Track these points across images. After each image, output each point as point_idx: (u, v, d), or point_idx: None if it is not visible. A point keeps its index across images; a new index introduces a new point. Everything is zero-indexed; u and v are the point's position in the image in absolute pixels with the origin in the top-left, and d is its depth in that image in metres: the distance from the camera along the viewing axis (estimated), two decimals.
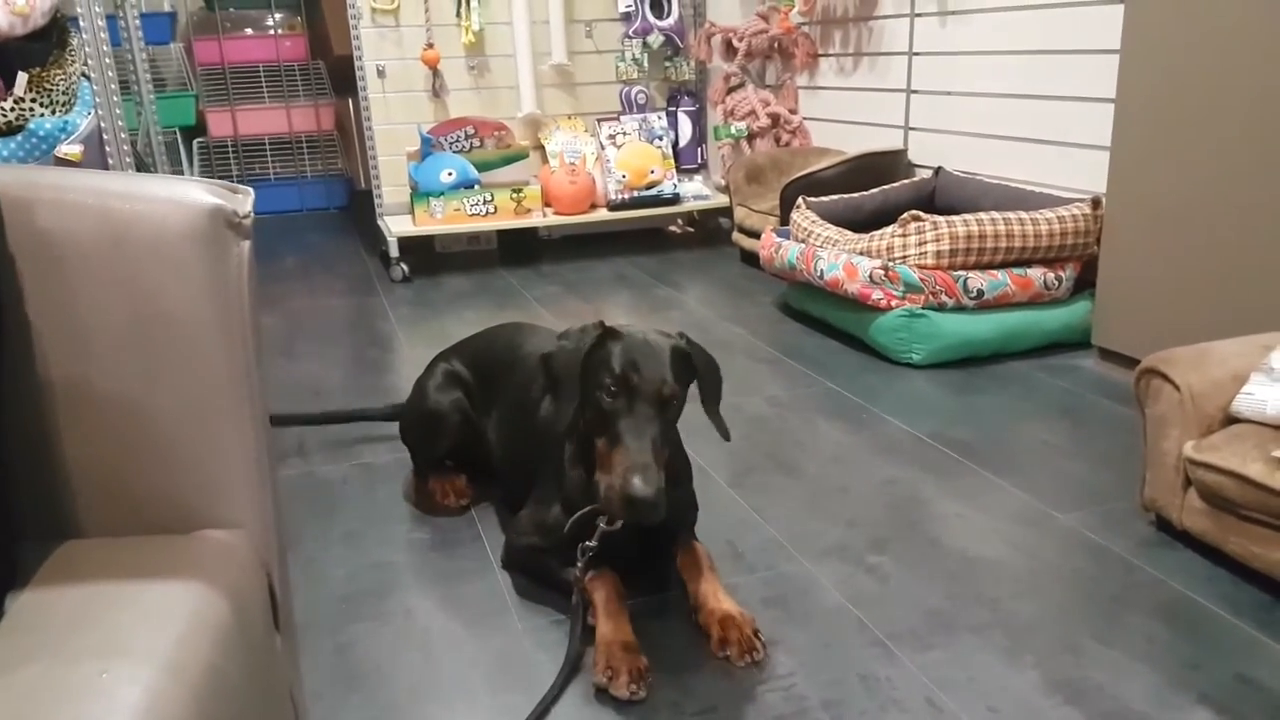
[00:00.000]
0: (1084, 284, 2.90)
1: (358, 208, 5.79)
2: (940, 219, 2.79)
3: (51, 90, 3.67)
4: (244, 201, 0.94)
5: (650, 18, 4.70)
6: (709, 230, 4.96)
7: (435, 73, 4.55)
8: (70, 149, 3.67)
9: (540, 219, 4.38)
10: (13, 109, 3.59)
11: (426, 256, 4.52)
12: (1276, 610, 1.59)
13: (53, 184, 0.91)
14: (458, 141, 4.42)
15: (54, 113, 3.69)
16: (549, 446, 1.72)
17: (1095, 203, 2.83)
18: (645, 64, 4.81)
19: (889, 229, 2.87)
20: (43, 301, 0.89)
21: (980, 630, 1.57)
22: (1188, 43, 2.34)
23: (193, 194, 0.92)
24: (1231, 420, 1.74)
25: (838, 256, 2.94)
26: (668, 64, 4.88)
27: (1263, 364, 1.73)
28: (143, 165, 4.72)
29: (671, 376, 1.52)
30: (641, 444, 1.45)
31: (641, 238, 4.82)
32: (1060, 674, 1.46)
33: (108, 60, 3.86)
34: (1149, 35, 2.44)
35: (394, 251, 4.11)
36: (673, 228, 5.06)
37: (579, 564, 1.57)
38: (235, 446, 0.94)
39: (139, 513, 0.94)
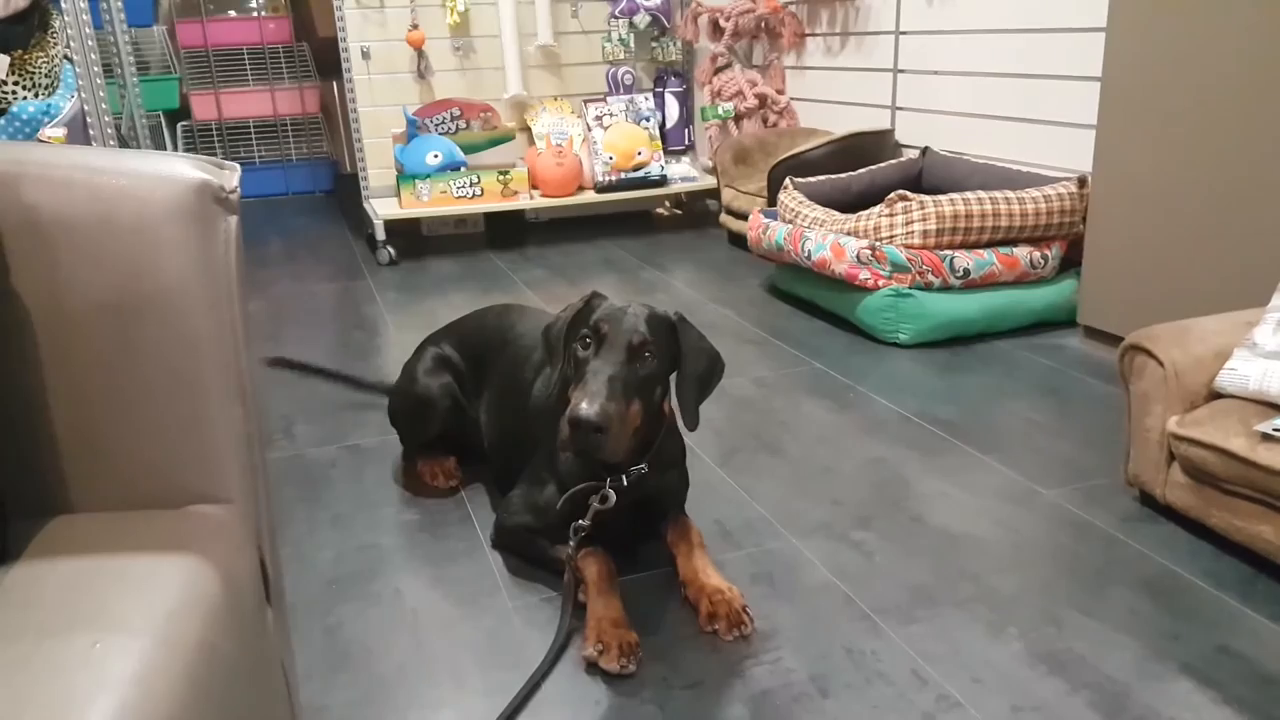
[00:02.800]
0: (1070, 263, 2.91)
1: (343, 191, 5.76)
2: (927, 199, 2.79)
3: (34, 73, 3.64)
4: (230, 176, 0.94)
5: None
6: (696, 212, 4.96)
7: (420, 54, 4.52)
8: (53, 132, 3.64)
9: (527, 201, 4.37)
10: None
11: (413, 239, 4.51)
12: (1258, 583, 1.61)
13: (40, 160, 0.90)
14: (443, 123, 4.41)
15: (37, 96, 3.65)
16: (542, 427, 1.73)
17: (1081, 182, 2.85)
18: (632, 44, 4.80)
19: (876, 209, 2.87)
20: (30, 277, 0.89)
21: (964, 604, 1.59)
22: (1173, 21, 2.35)
23: (180, 169, 0.92)
24: (1215, 396, 1.76)
25: (825, 237, 2.95)
26: (654, 44, 4.86)
27: (1245, 340, 1.74)
28: (127, 149, 4.68)
29: (645, 329, 1.52)
30: (598, 380, 1.46)
31: (629, 220, 4.82)
32: (1043, 646, 1.48)
33: (90, 43, 3.83)
34: (1134, 13, 2.44)
35: (380, 234, 4.10)
36: (660, 209, 5.06)
37: (571, 543, 1.58)
38: (224, 421, 0.95)
39: (129, 488, 0.95)
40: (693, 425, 1.62)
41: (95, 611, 0.79)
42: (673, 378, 1.63)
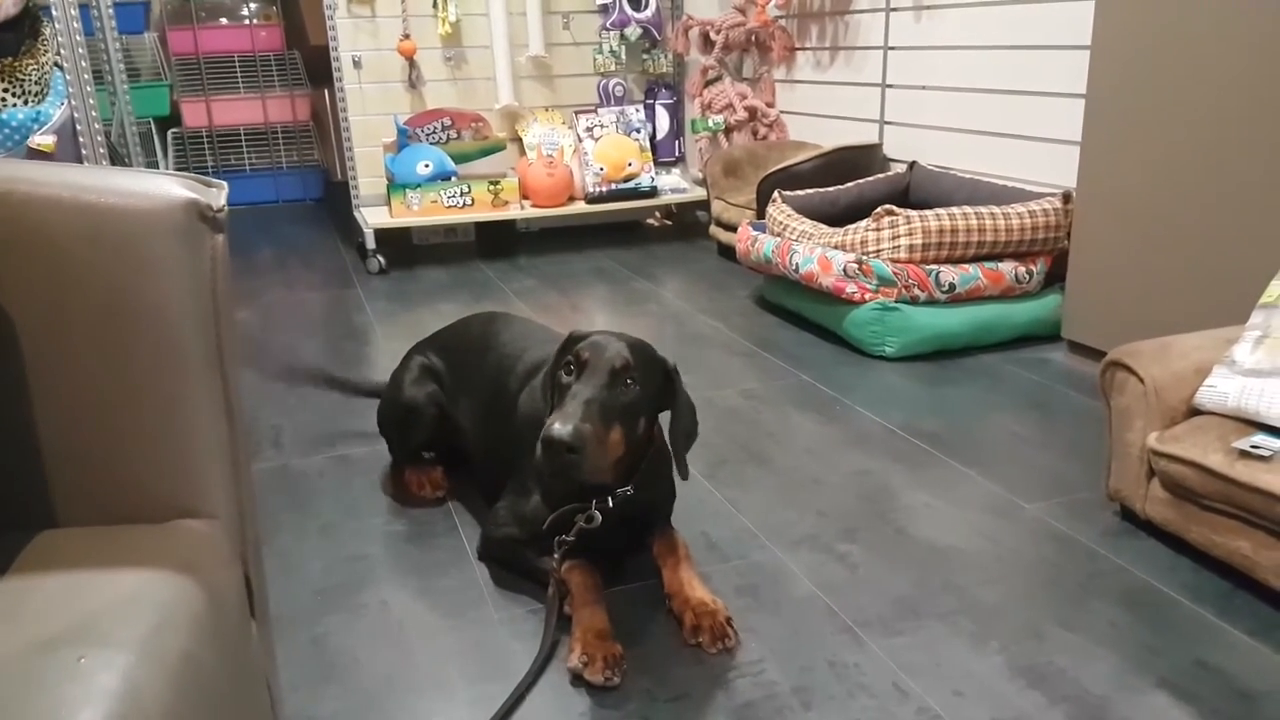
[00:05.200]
0: (1054, 278, 2.93)
1: (334, 199, 5.77)
2: (913, 213, 2.81)
3: (24, 80, 3.64)
4: (218, 195, 0.95)
5: (628, 10, 4.71)
6: (686, 223, 4.98)
7: (412, 64, 4.54)
8: (43, 139, 3.64)
9: (518, 211, 4.38)
10: None
11: (403, 249, 4.52)
12: (1236, 597, 1.63)
13: (28, 178, 0.91)
14: (434, 133, 4.42)
15: (26, 103, 3.66)
16: (528, 438, 1.73)
17: (1066, 197, 2.87)
18: (623, 56, 4.82)
19: (863, 223, 2.89)
20: (17, 294, 0.90)
21: (947, 617, 1.60)
22: (1157, 39, 2.37)
23: (167, 188, 0.93)
24: (1194, 412, 1.78)
25: (812, 250, 2.97)
26: (645, 56, 4.88)
27: (1224, 357, 1.76)
28: (117, 156, 4.68)
29: (628, 355, 1.53)
30: (575, 402, 1.47)
31: (619, 230, 4.83)
32: (1024, 659, 1.49)
33: (81, 50, 3.83)
34: (1119, 31, 2.47)
35: (370, 243, 4.11)
36: (650, 220, 5.08)
37: (556, 554, 1.59)
38: (208, 437, 0.95)
39: (114, 503, 0.95)
40: (684, 474, 1.64)
41: (80, 626, 0.79)
42: (664, 419, 1.63)
